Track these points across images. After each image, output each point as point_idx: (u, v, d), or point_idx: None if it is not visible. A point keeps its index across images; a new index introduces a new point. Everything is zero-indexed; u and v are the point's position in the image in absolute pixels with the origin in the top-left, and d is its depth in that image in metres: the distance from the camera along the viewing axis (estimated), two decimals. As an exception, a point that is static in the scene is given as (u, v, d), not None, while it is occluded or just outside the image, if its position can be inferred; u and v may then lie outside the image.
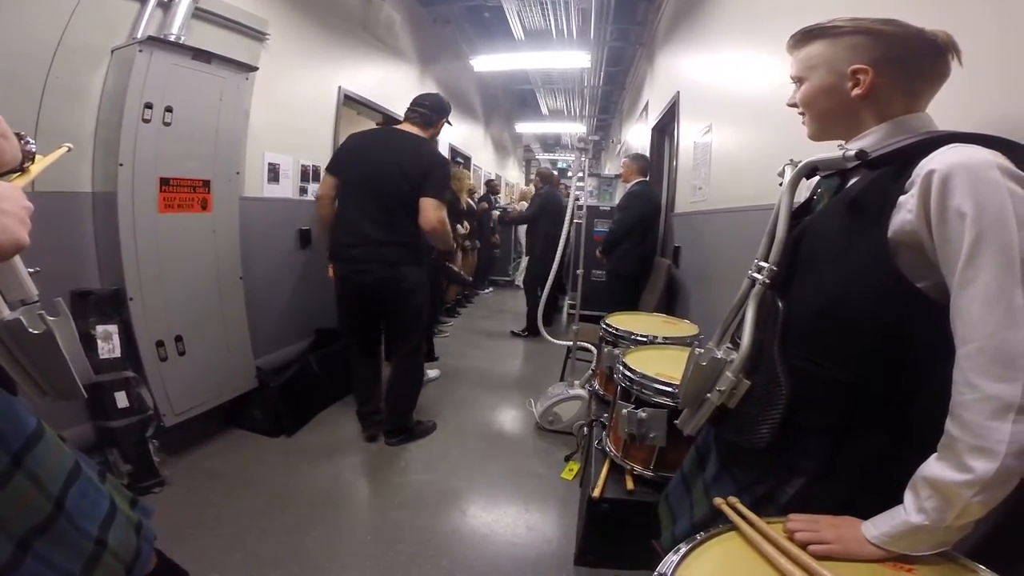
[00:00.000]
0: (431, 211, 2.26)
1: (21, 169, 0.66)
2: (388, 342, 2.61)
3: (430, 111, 2.43)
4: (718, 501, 0.81)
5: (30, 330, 0.59)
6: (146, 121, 1.99)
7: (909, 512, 0.64)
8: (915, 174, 0.67)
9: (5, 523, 0.69)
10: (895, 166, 0.71)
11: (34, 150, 0.69)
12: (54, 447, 0.80)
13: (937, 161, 0.64)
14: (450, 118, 2.55)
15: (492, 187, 7.33)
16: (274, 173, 3.01)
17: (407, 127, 2.42)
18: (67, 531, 0.76)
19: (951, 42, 0.74)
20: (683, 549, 0.70)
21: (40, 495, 0.74)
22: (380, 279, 2.32)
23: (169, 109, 2.06)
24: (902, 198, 0.68)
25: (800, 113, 0.87)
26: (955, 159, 0.63)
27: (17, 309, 0.60)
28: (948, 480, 0.60)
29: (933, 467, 0.63)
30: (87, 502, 0.82)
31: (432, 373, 3.45)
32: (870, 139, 0.78)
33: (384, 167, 2.28)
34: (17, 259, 0.62)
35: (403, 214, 2.29)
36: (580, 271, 2.87)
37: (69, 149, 0.84)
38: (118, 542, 0.84)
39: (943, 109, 0.79)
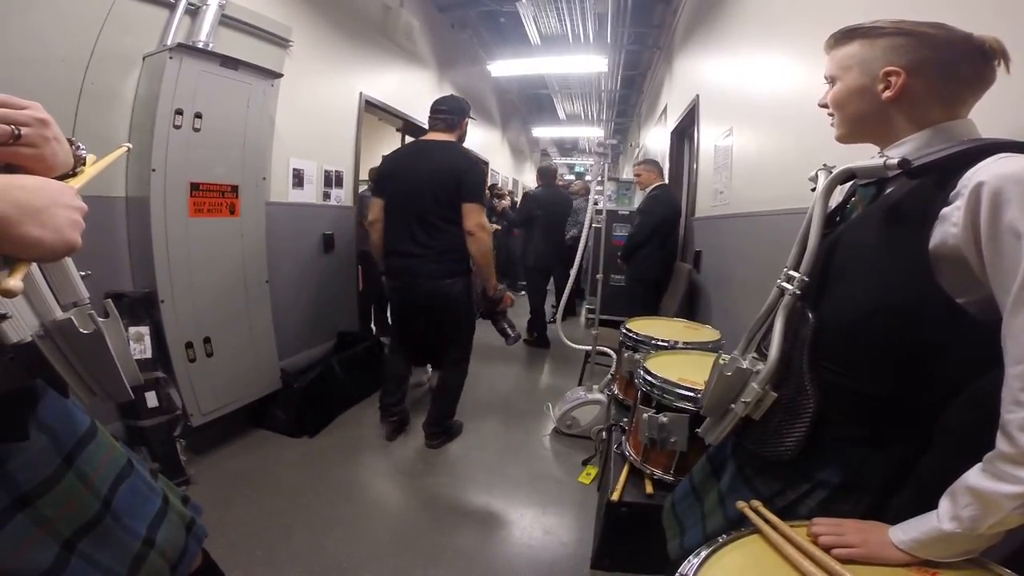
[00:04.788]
0: (472, 216, 2.29)
1: (73, 174, 0.68)
2: (436, 352, 2.65)
3: (451, 113, 2.43)
4: (741, 504, 0.81)
5: (80, 330, 0.61)
6: (177, 127, 2.05)
7: (942, 519, 0.63)
8: (961, 185, 0.64)
9: (52, 524, 0.69)
10: (937, 175, 0.68)
11: (84, 155, 0.70)
12: (106, 446, 0.82)
13: (986, 172, 0.61)
14: (469, 118, 2.55)
15: (494, 191, 6.93)
16: (299, 178, 3.07)
17: (434, 136, 2.43)
18: (113, 530, 0.77)
19: (1000, 48, 0.71)
20: (704, 552, 0.70)
21: (89, 494, 0.75)
22: (426, 293, 2.37)
23: (198, 115, 2.12)
24: (945, 210, 0.65)
25: (830, 114, 0.85)
26: (1006, 170, 0.60)
27: (68, 311, 0.63)
28: (993, 491, 0.59)
29: (978, 477, 0.61)
30: (138, 500, 0.84)
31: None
32: (909, 146, 0.75)
33: (420, 183, 2.31)
34: (69, 262, 0.64)
35: (444, 227, 2.32)
36: (599, 275, 2.87)
37: (128, 149, 0.86)
38: (166, 540, 0.85)
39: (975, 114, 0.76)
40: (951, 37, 0.73)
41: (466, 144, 2.52)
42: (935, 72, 0.73)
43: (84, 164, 0.69)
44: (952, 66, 0.73)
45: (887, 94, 0.75)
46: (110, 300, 0.68)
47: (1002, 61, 0.72)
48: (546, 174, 4.70)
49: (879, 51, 0.76)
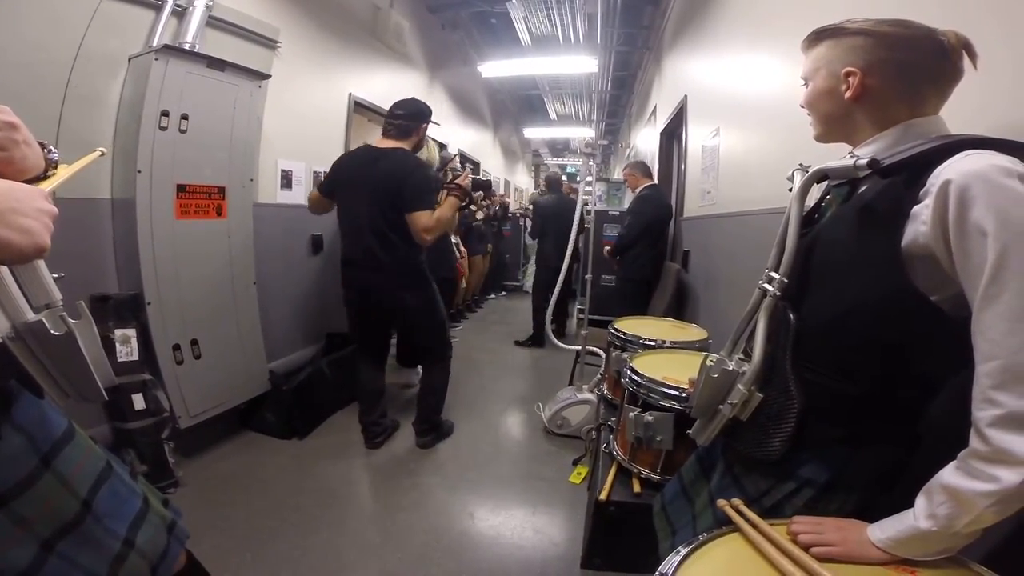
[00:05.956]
0: (418, 227, 2.19)
1: (44, 177, 0.68)
2: (413, 355, 2.66)
3: (407, 120, 2.33)
4: (721, 503, 0.81)
5: (52, 332, 0.60)
6: (163, 128, 2.04)
7: (918, 517, 0.63)
8: (929, 183, 0.64)
9: (31, 524, 0.70)
10: (906, 174, 0.68)
11: (56, 159, 0.70)
12: (85, 448, 0.82)
13: (952, 170, 0.61)
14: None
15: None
16: (287, 180, 3.06)
17: (384, 142, 2.34)
18: (94, 531, 0.77)
19: (961, 43, 0.71)
20: (684, 550, 0.70)
21: (68, 495, 0.75)
22: (387, 299, 2.35)
23: (185, 117, 2.11)
24: (916, 208, 0.66)
25: (808, 114, 0.87)
26: (971, 168, 0.60)
27: (41, 312, 0.62)
28: (967, 489, 0.59)
29: (952, 475, 0.61)
30: (118, 501, 0.84)
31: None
32: (879, 144, 0.76)
33: (371, 193, 2.24)
34: (41, 263, 0.64)
35: (398, 237, 2.26)
36: (589, 276, 2.87)
37: (102, 153, 0.86)
38: (146, 541, 0.85)
39: (949, 116, 0.76)
40: (911, 35, 0.73)
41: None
42: (894, 71, 0.74)
43: (56, 167, 0.69)
44: (911, 64, 0.73)
45: (848, 94, 0.76)
46: (82, 302, 0.68)
47: (967, 56, 0.72)
48: (553, 182, 4.95)
49: (841, 52, 0.77)
